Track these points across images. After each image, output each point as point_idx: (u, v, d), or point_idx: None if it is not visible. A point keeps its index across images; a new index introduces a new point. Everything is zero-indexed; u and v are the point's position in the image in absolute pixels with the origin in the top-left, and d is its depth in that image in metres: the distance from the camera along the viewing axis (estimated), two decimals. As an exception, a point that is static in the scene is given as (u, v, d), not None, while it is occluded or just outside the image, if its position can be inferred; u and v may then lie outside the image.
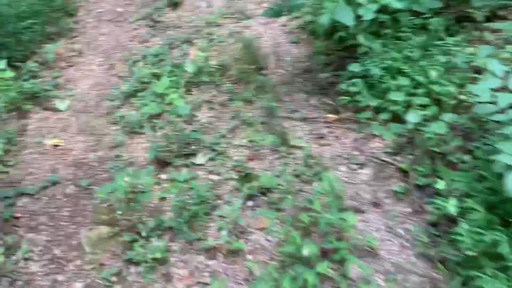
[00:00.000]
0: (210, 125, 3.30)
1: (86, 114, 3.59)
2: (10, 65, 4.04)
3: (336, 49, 3.63)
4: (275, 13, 3.25)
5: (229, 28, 4.39)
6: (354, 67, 3.10)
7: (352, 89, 3.07)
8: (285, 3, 3.07)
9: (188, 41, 4.29)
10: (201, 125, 3.30)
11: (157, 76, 3.74)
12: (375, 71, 2.97)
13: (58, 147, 3.30)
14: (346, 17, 2.78)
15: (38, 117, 3.61)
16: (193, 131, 3.21)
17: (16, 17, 4.43)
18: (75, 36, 4.70)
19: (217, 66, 3.81)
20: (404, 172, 2.68)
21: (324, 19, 2.97)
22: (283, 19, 4.27)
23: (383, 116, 2.93)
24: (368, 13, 2.87)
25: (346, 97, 3.12)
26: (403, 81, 2.87)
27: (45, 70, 4.16)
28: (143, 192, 2.74)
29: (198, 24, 4.51)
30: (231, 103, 3.47)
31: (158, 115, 3.43)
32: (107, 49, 4.46)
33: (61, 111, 3.66)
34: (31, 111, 3.63)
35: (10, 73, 3.53)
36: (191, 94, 3.63)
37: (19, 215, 2.82)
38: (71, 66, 4.25)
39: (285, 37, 4.14)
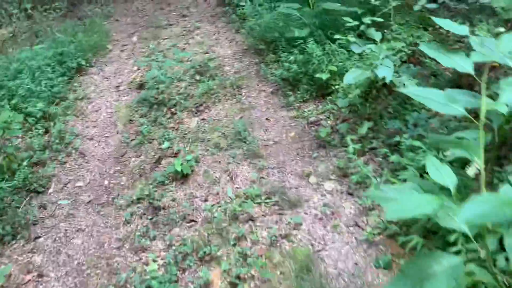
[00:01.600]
0: None
1: None
2: None
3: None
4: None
5: (267, 228, 2.72)
6: None
7: None
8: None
9: (208, 255, 2.59)
10: None
11: None
12: None
13: None
14: None
15: None
16: None
17: None
18: (37, 237, 2.99)
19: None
20: None
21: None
22: (353, 208, 2.65)
23: None
24: None
25: None
26: None
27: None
28: None
29: (218, 216, 2.85)
30: None
31: None
32: (82, 264, 2.73)
33: None
34: None
35: None
36: None
37: None
38: (22, 307, 2.49)
39: (364, 252, 2.46)
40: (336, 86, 3.72)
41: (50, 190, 3.44)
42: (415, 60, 3.53)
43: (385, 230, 2.48)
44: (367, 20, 3.26)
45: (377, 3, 3.45)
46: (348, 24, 3.44)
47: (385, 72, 2.81)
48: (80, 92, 4.73)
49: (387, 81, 2.83)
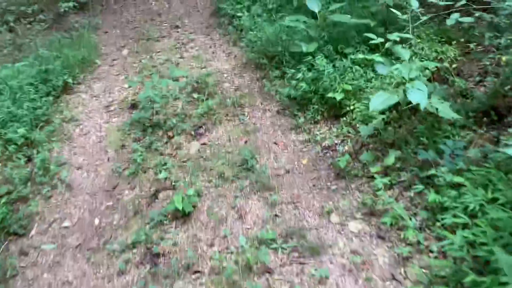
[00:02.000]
0: None
1: None
2: None
3: None
4: None
5: (288, 282, 2.27)
6: None
7: None
8: None
9: (219, 319, 2.14)
10: None
11: None
12: None
13: None
14: None
15: None
16: None
17: None
18: (16, 294, 2.51)
19: None
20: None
21: None
22: (388, 256, 2.21)
23: None
24: None
25: None
26: None
27: None
28: None
29: (228, 268, 2.39)
30: None
31: None
32: (70, 330, 2.26)
33: None
34: None
35: None
36: None
37: None
38: None
39: (406, 315, 2.03)
40: (351, 107, 3.29)
41: (33, 232, 2.95)
42: (439, 77, 3.13)
43: (430, 286, 2.05)
44: (393, 36, 2.84)
45: (404, 17, 3.03)
46: (372, 42, 3.01)
47: (418, 96, 2.39)
48: (66, 114, 4.22)
49: (422, 107, 2.41)
